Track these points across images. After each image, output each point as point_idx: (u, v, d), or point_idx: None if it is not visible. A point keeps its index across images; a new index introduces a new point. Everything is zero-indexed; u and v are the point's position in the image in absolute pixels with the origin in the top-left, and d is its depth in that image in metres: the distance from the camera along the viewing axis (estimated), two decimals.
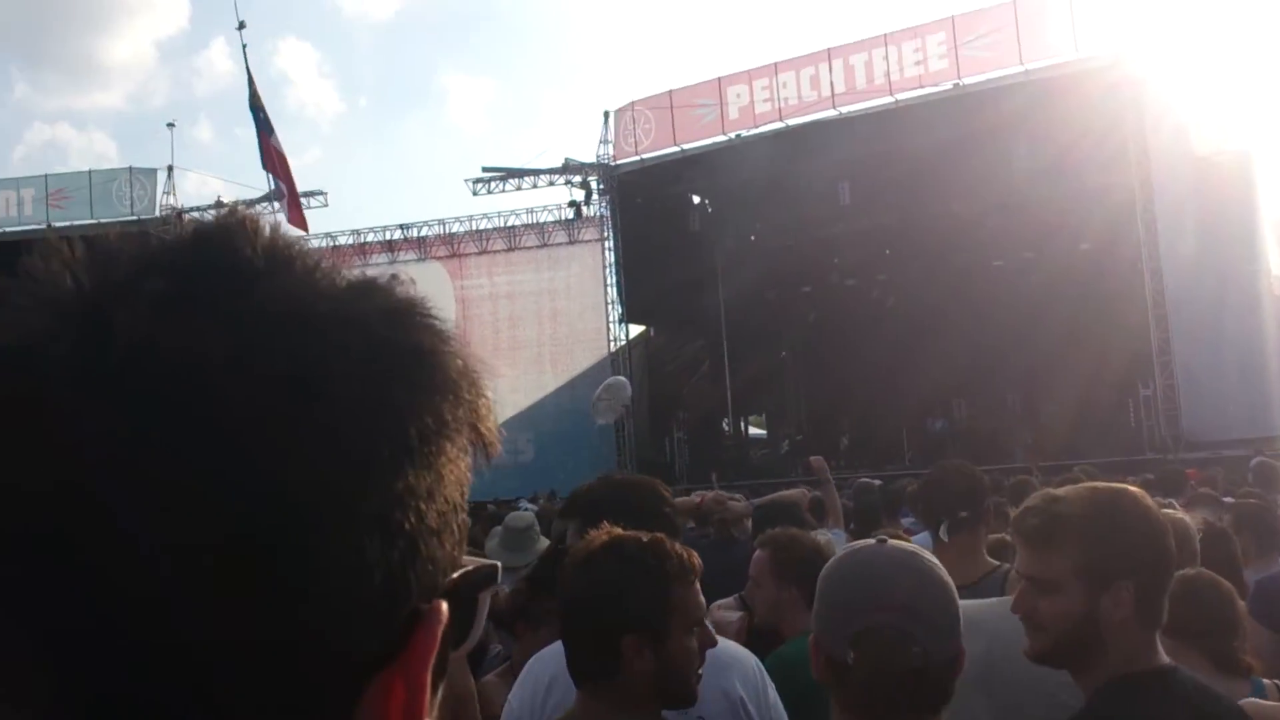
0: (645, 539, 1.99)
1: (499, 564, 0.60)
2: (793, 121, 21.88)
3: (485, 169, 25.30)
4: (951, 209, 22.29)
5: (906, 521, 7.00)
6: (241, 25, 14.35)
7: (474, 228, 25.54)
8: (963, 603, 2.11)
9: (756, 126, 22.29)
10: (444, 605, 0.53)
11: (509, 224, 25.42)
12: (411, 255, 25.17)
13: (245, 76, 15.38)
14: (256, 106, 14.72)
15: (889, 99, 20.93)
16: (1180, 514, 4.07)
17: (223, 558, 0.46)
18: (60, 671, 0.47)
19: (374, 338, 0.51)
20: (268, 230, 0.54)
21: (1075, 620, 1.96)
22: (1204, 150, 18.45)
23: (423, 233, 25.64)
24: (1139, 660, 1.95)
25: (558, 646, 2.18)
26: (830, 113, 21.53)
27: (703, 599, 2.05)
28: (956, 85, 20.40)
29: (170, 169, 25.98)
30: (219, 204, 25.83)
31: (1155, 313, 18.68)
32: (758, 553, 3.68)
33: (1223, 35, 18.06)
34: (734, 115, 22.45)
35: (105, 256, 0.51)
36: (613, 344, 24.63)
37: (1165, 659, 1.99)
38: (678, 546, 2.01)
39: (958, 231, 22.58)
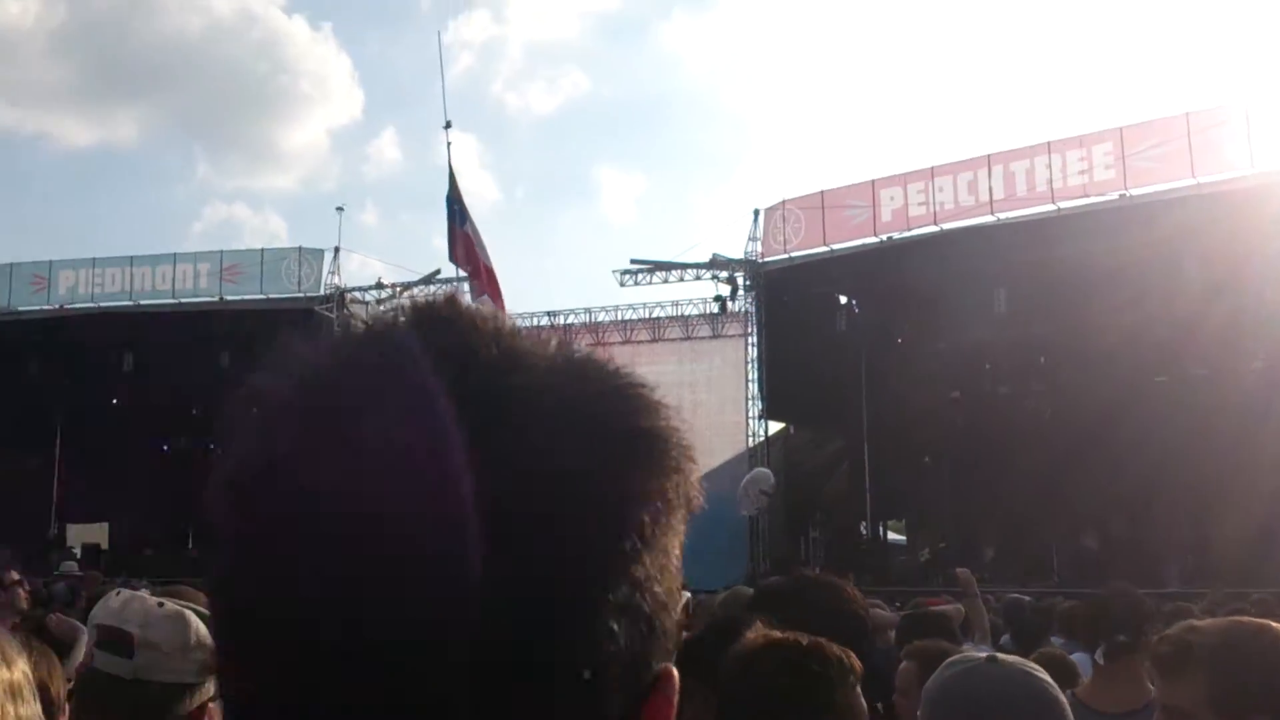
0: (805, 641, 1.97)
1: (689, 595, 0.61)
2: (948, 226, 21.63)
3: (634, 261, 25.78)
4: (1113, 321, 21.48)
5: (1056, 641, 6.70)
6: (448, 125, 15.00)
7: (619, 318, 25.97)
8: None
9: (909, 229, 22.12)
10: (674, 671, 0.55)
11: (654, 315, 25.74)
12: (557, 346, 25.68)
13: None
14: (454, 198, 15.35)
15: (1051, 206, 20.51)
16: None
17: (479, 647, 0.48)
18: None
19: (608, 427, 0.53)
20: (496, 320, 0.56)
21: None
22: None
23: (569, 320, 26.16)
24: None
25: None
26: (988, 218, 21.22)
27: (864, 702, 2.00)
28: (1123, 195, 19.87)
29: (337, 250, 27.06)
30: (379, 284, 27.08)
31: None
32: (905, 664, 3.56)
33: None
34: (886, 217, 22.34)
35: (342, 360, 0.54)
36: (751, 439, 24.46)
37: None
38: (837, 649, 1.97)
39: (1119, 344, 21.71)
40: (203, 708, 1.89)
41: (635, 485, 0.53)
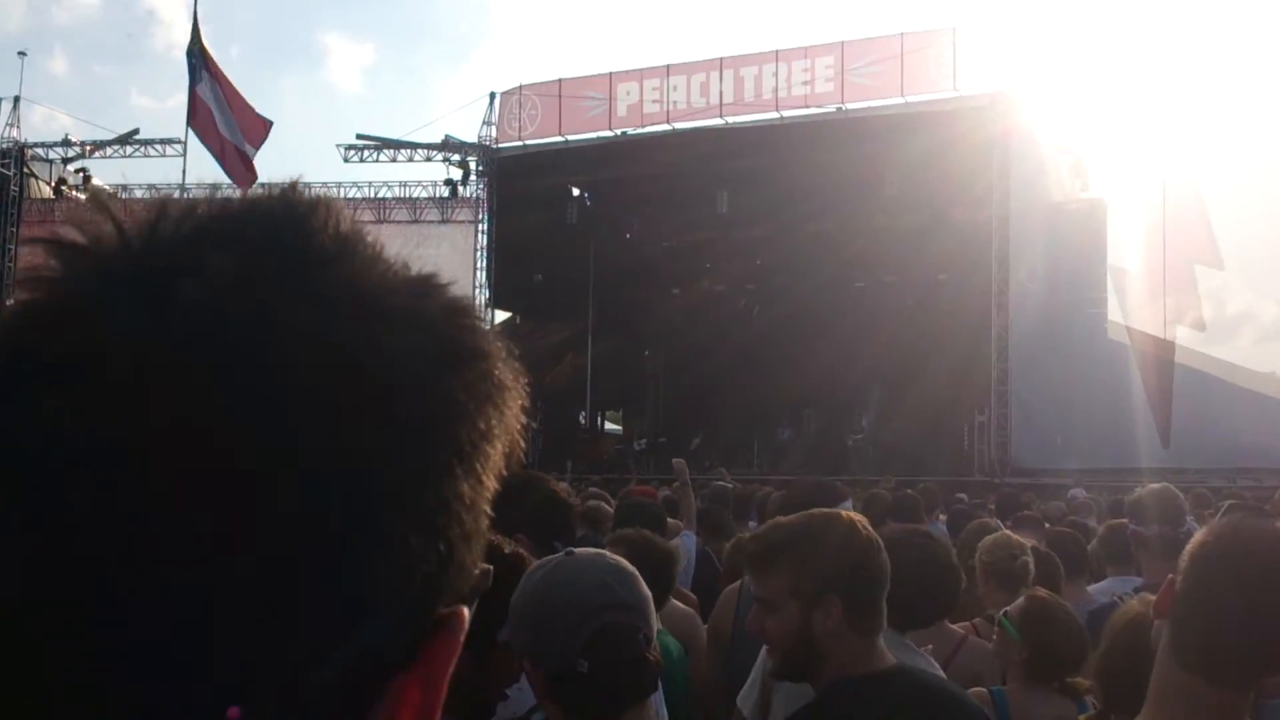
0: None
1: (490, 568, 0.59)
2: (679, 126, 22.09)
3: (360, 136, 24.75)
4: (823, 228, 22.91)
5: (753, 525, 7.18)
6: None
7: (342, 195, 24.75)
8: None
9: (643, 126, 22.42)
10: (466, 613, 0.53)
11: (380, 196, 24.88)
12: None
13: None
14: (193, 53, 13.84)
15: (774, 115, 21.34)
16: (1006, 533, 4.38)
17: (270, 536, 0.45)
18: (91, 631, 0.44)
19: (437, 335, 0.51)
20: (339, 216, 0.52)
21: (794, 635, 2.13)
22: (1058, 197, 19.47)
23: None
24: (858, 665, 2.13)
25: None
26: (716, 121, 21.83)
27: None
28: (840, 109, 20.94)
29: (17, 99, 24.66)
30: (67, 141, 24.95)
31: (998, 345, 19.58)
32: (610, 550, 3.68)
33: (1088, 92, 19.09)
34: (622, 112, 22.52)
35: (152, 218, 0.49)
36: None
37: (890, 662, 2.17)
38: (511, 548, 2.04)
39: (827, 250, 23.21)
40: None
41: (462, 400, 0.50)
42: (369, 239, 0.53)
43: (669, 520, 5.96)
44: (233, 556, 0.44)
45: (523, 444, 0.56)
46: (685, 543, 6.37)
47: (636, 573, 1.89)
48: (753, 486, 10.28)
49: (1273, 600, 1.53)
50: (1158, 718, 1.58)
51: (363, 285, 0.50)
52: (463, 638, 0.52)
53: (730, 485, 9.21)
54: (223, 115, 15.08)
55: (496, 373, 0.53)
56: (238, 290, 0.46)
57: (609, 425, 29.65)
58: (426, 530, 0.49)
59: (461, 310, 0.53)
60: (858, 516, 2.25)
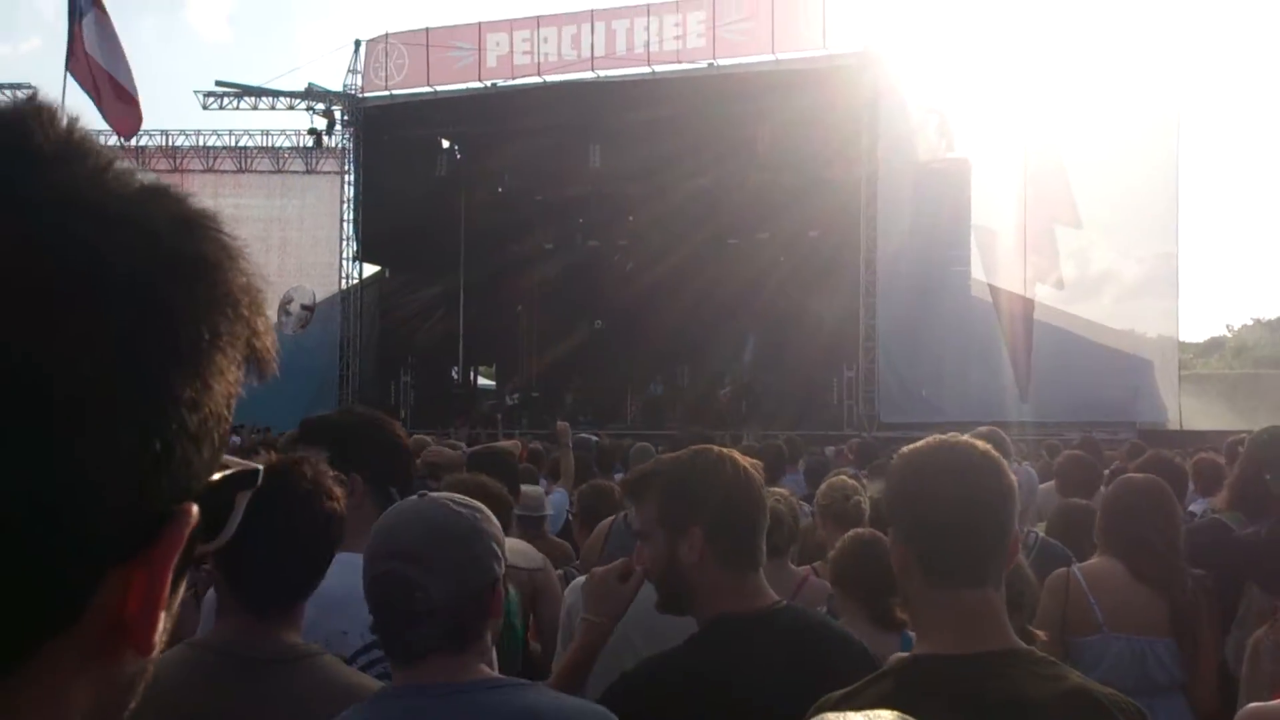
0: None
1: (261, 467, 0.60)
2: (550, 78, 21.75)
3: (219, 83, 23.71)
4: (695, 184, 22.91)
5: (619, 477, 7.25)
6: None
7: (201, 143, 23.96)
8: None
9: (514, 78, 22.01)
10: (194, 508, 0.54)
11: (241, 144, 24.01)
12: (128, 165, 23.26)
13: None
14: None
15: (646, 69, 21.18)
16: (842, 477, 4.51)
17: None
18: None
19: (158, 243, 0.51)
20: (65, 120, 0.52)
21: (662, 564, 2.14)
22: (924, 156, 19.85)
23: (143, 142, 23.70)
24: (732, 601, 2.10)
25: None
26: (588, 74, 21.55)
27: None
28: (711, 65, 20.89)
29: None
30: None
31: (865, 301, 19.93)
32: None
33: (953, 51, 19.43)
34: (492, 63, 22.06)
35: None
36: (344, 281, 23.80)
37: (771, 599, 2.16)
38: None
39: (699, 206, 23.23)
40: None
41: (178, 306, 0.51)
42: (101, 148, 0.53)
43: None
44: None
45: (268, 352, 0.58)
46: (557, 498, 6.52)
47: (461, 534, 1.76)
48: (624, 441, 10.40)
49: (946, 500, 1.70)
50: (920, 627, 1.77)
51: (80, 188, 0.50)
52: (187, 532, 0.54)
53: (595, 439, 9.26)
54: (108, 50, 13.68)
55: (225, 282, 0.54)
56: None
57: (482, 381, 29.36)
58: (140, 430, 0.50)
59: (189, 219, 0.54)
60: (736, 455, 2.23)
